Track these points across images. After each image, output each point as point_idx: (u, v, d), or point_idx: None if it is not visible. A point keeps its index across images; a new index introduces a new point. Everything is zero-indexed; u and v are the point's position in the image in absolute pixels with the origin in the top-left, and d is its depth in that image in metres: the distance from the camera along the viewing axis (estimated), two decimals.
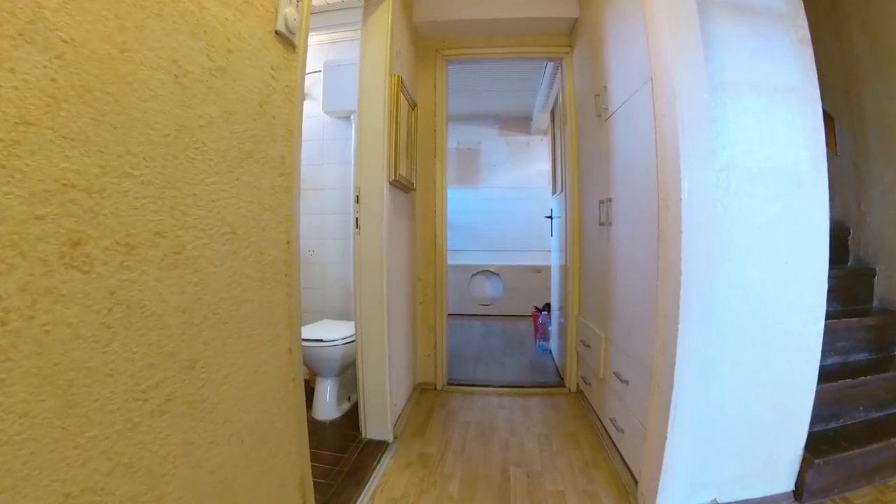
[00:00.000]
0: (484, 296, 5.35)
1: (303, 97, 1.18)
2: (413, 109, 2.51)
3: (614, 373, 1.87)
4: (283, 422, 1.11)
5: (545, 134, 5.79)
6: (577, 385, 2.69)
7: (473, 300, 5.34)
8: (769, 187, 1.47)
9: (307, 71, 2.95)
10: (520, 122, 5.83)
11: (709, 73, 1.39)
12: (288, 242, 1.11)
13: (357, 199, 1.99)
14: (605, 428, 2.03)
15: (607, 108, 2.04)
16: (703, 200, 1.31)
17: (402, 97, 2.14)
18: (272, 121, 1.05)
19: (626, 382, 1.74)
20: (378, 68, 1.98)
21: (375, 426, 2.06)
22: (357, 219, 1.99)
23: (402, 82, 2.11)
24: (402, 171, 2.30)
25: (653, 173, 1.48)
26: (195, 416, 0.81)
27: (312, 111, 2.79)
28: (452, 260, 5.57)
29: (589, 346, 2.32)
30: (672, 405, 1.31)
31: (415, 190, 2.64)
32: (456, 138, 5.86)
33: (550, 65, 3.62)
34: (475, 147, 5.92)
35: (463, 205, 5.88)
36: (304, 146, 2.93)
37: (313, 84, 2.78)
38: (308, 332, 2.27)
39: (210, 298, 0.86)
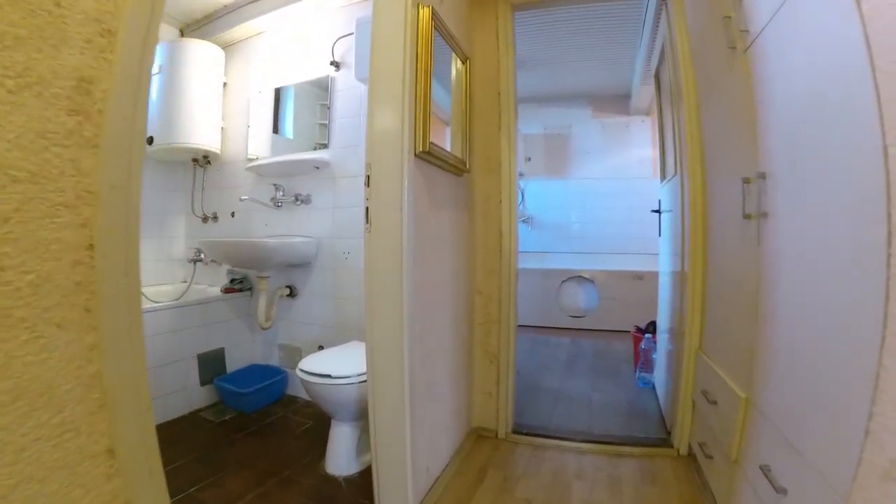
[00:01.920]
0: (575, 306, 4.52)
1: None
2: (465, 64, 1.88)
3: (761, 466, 1.08)
4: None
5: (647, 114, 4.78)
6: (689, 447, 1.87)
7: (562, 311, 4.53)
8: None
9: (340, 35, 2.51)
10: (616, 101, 4.86)
11: None
12: (90, 247, 0.55)
13: (367, 182, 1.42)
14: None
15: (747, 31, 1.24)
16: None
17: (437, 37, 1.53)
18: (54, 11, 0.50)
19: (783, 492, 0.95)
20: None
21: (392, 498, 1.47)
22: (367, 209, 1.42)
23: (435, 15, 1.50)
24: (446, 143, 1.69)
25: (867, 110, 0.69)
26: None
27: (346, 83, 2.29)
28: (538, 264, 4.89)
29: (715, 402, 1.50)
30: None
31: (468, 172, 2.00)
32: (542, 122, 5.07)
33: (651, 10, 2.77)
34: (565, 132, 5.06)
35: (551, 199, 5.09)
36: (337, 123, 2.43)
37: (347, 51, 2.28)
38: (319, 361, 1.75)
39: None
